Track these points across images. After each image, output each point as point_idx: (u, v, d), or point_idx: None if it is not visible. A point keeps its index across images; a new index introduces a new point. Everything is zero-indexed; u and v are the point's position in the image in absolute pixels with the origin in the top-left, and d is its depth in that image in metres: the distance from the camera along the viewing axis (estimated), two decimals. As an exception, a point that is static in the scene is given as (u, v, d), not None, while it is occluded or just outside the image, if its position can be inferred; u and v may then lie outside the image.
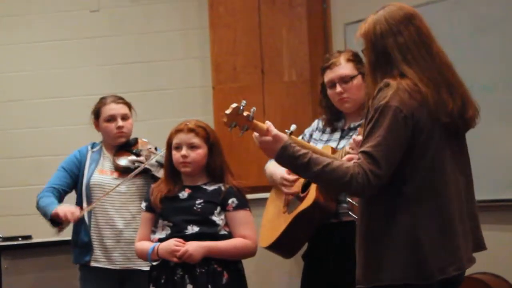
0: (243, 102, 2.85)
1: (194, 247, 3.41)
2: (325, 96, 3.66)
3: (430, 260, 2.58)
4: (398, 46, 2.65)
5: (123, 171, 4.12)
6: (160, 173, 4.06)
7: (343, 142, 3.54)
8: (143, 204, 3.64)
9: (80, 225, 4.09)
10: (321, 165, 2.62)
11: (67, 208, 3.92)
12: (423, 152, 2.61)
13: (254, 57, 5.72)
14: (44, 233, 5.09)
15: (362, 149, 2.60)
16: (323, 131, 3.69)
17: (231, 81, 5.75)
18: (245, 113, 2.85)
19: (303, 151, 2.67)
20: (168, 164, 3.61)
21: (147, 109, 6.06)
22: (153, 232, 3.56)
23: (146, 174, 4.10)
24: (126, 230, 4.07)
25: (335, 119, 3.67)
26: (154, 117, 6.01)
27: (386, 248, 2.61)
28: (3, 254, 4.51)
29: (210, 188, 3.56)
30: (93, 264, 4.06)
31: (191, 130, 3.56)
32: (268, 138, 2.77)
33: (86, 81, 6.15)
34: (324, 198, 3.42)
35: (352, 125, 3.58)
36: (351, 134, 3.54)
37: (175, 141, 3.57)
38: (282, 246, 3.65)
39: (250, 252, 3.54)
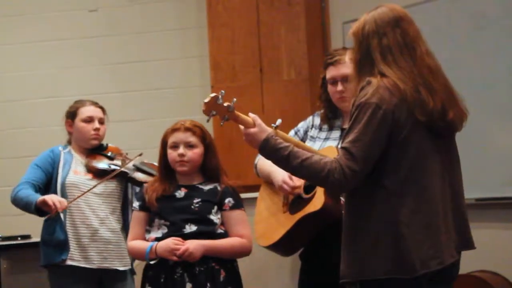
0: (222, 92, 2.90)
1: (194, 245, 3.41)
2: (325, 91, 3.65)
3: (412, 254, 2.60)
4: (380, 47, 2.71)
5: (99, 173, 4.12)
6: (137, 176, 4.11)
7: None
8: (136, 204, 3.63)
9: (54, 223, 4.05)
10: (300, 159, 2.68)
11: (55, 197, 3.92)
12: (405, 148, 2.65)
13: (252, 56, 5.72)
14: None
15: (341, 145, 2.67)
16: (320, 129, 3.68)
17: (229, 80, 5.75)
18: (225, 104, 2.89)
19: (285, 144, 2.74)
20: (163, 164, 3.61)
21: (146, 108, 6.07)
22: (148, 231, 3.56)
23: (122, 177, 4.13)
24: (102, 229, 4.07)
25: (332, 116, 3.66)
26: (153, 116, 6.02)
27: (369, 242, 2.63)
28: (2, 254, 4.52)
29: (206, 187, 3.56)
30: (69, 262, 4.01)
31: (188, 129, 3.56)
32: (253, 130, 2.84)
33: (84, 80, 6.15)
34: (332, 202, 3.41)
35: None
36: (351, 133, 3.54)
37: (171, 140, 3.57)
38: (284, 246, 3.63)
39: (246, 251, 3.56)
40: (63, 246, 4.02)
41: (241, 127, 2.90)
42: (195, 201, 3.50)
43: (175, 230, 3.47)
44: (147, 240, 3.53)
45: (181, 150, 3.53)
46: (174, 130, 3.58)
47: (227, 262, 3.52)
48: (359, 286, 2.67)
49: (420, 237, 2.61)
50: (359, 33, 2.76)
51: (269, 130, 2.82)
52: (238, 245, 3.52)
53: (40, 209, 3.94)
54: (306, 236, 3.54)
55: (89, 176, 4.14)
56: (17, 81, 6.20)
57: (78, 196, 4.00)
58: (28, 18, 6.23)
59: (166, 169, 3.59)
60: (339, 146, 3.50)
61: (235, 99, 2.90)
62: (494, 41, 4.75)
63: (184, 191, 3.54)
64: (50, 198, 3.90)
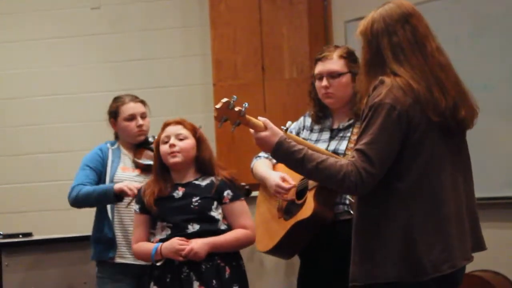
0: (234, 97, 2.87)
1: (199, 244, 3.41)
2: (315, 88, 3.65)
3: (424, 257, 2.58)
4: (391, 45, 2.66)
5: (145, 169, 4.15)
6: None
7: (333, 143, 3.52)
8: (136, 207, 3.64)
9: (103, 221, 4.12)
10: (315, 162, 2.63)
11: (130, 184, 3.94)
12: (418, 149, 2.61)
13: (254, 55, 5.72)
14: (45, 230, 5.11)
15: (356, 147, 2.61)
16: (311, 130, 3.67)
17: (231, 79, 5.75)
18: (236, 108, 2.86)
19: (299, 147, 2.70)
20: (158, 163, 3.62)
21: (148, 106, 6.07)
22: (152, 234, 3.56)
23: None
24: None
25: (322, 115, 3.65)
26: (155, 114, 5.96)
27: (380, 245, 2.61)
28: (3, 251, 4.51)
29: (203, 183, 3.56)
30: (118, 260, 4.09)
31: (178, 123, 3.62)
32: (265, 133, 2.78)
33: (86, 78, 6.15)
34: (323, 208, 3.41)
35: (341, 126, 3.57)
36: (340, 135, 3.53)
37: (163, 135, 3.60)
38: (281, 251, 3.65)
39: (250, 241, 3.60)
40: (111, 244, 4.08)
41: (251, 130, 2.85)
42: (193, 199, 3.50)
43: (178, 231, 3.48)
44: (152, 242, 3.54)
45: (172, 140, 3.55)
46: (165, 125, 3.63)
47: (232, 259, 3.53)
48: None
49: (431, 240, 2.59)
50: (367, 32, 2.71)
51: (281, 133, 2.78)
52: (243, 236, 3.54)
53: (117, 196, 3.96)
54: (301, 241, 3.54)
55: (137, 172, 4.18)
56: (18, 79, 6.20)
57: (140, 187, 3.98)
58: (29, 15, 6.22)
59: (161, 168, 3.60)
60: (329, 147, 3.52)
61: (246, 104, 2.87)
62: (496, 41, 4.74)
63: (181, 190, 3.54)
64: (126, 185, 3.93)
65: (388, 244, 2.59)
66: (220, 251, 3.47)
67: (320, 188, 3.40)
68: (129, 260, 4.08)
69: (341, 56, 3.55)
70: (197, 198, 3.50)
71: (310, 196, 3.44)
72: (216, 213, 3.50)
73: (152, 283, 3.52)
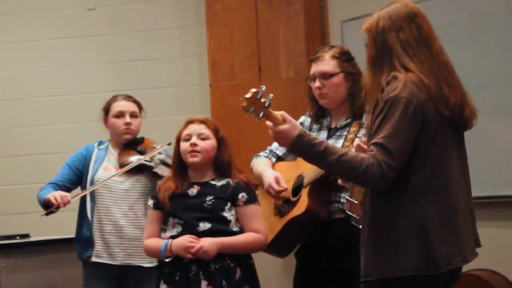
0: (263, 87, 2.80)
1: (209, 243, 3.40)
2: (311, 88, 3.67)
3: (437, 251, 2.60)
4: (399, 40, 2.70)
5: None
6: (162, 171, 4.06)
7: (330, 142, 3.53)
8: (151, 202, 3.63)
9: (82, 220, 4.13)
10: (337, 155, 2.63)
11: (58, 193, 3.97)
12: (430, 145, 2.64)
13: (251, 55, 5.72)
14: (42, 232, 5.10)
15: (374, 140, 2.62)
16: (310, 129, 3.68)
17: (228, 79, 5.75)
18: (262, 100, 2.79)
19: (319, 140, 2.69)
20: (177, 159, 3.61)
21: (145, 106, 6.03)
22: (164, 230, 3.56)
23: (149, 172, 4.10)
24: (128, 227, 4.08)
25: (321, 114, 3.66)
26: (152, 115, 5.94)
27: (394, 239, 2.63)
28: (1, 253, 4.52)
29: (219, 183, 3.55)
30: (94, 259, 4.08)
31: (202, 122, 3.59)
32: (284, 126, 2.73)
33: (83, 79, 6.15)
34: (317, 205, 3.42)
35: (338, 125, 3.58)
36: (338, 133, 3.55)
37: (185, 132, 3.58)
38: (276, 249, 3.66)
39: (262, 246, 3.56)
40: (88, 243, 4.09)
41: (269, 124, 2.78)
42: (207, 198, 3.49)
43: (189, 229, 3.47)
44: (163, 239, 3.54)
45: (194, 139, 3.53)
46: (188, 122, 3.61)
47: (243, 260, 3.52)
48: (384, 284, 2.66)
49: (444, 234, 2.62)
50: (373, 29, 2.74)
51: (300, 126, 2.74)
52: (254, 240, 3.51)
53: (46, 205, 3.98)
54: (296, 239, 3.55)
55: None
56: (18, 80, 6.20)
57: (84, 191, 4.04)
58: (27, 17, 6.23)
59: (179, 166, 3.60)
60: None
61: (271, 95, 2.80)
62: (495, 41, 4.75)
63: (196, 189, 3.54)
64: (53, 194, 3.95)
65: (402, 238, 2.62)
66: (230, 252, 3.46)
67: (314, 186, 3.41)
68: (105, 259, 4.08)
69: (333, 57, 3.56)
70: (211, 197, 3.49)
71: (304, 193, 3.45)
72: (229, 214, 3.49)
73: (162, 281, 3.52)
